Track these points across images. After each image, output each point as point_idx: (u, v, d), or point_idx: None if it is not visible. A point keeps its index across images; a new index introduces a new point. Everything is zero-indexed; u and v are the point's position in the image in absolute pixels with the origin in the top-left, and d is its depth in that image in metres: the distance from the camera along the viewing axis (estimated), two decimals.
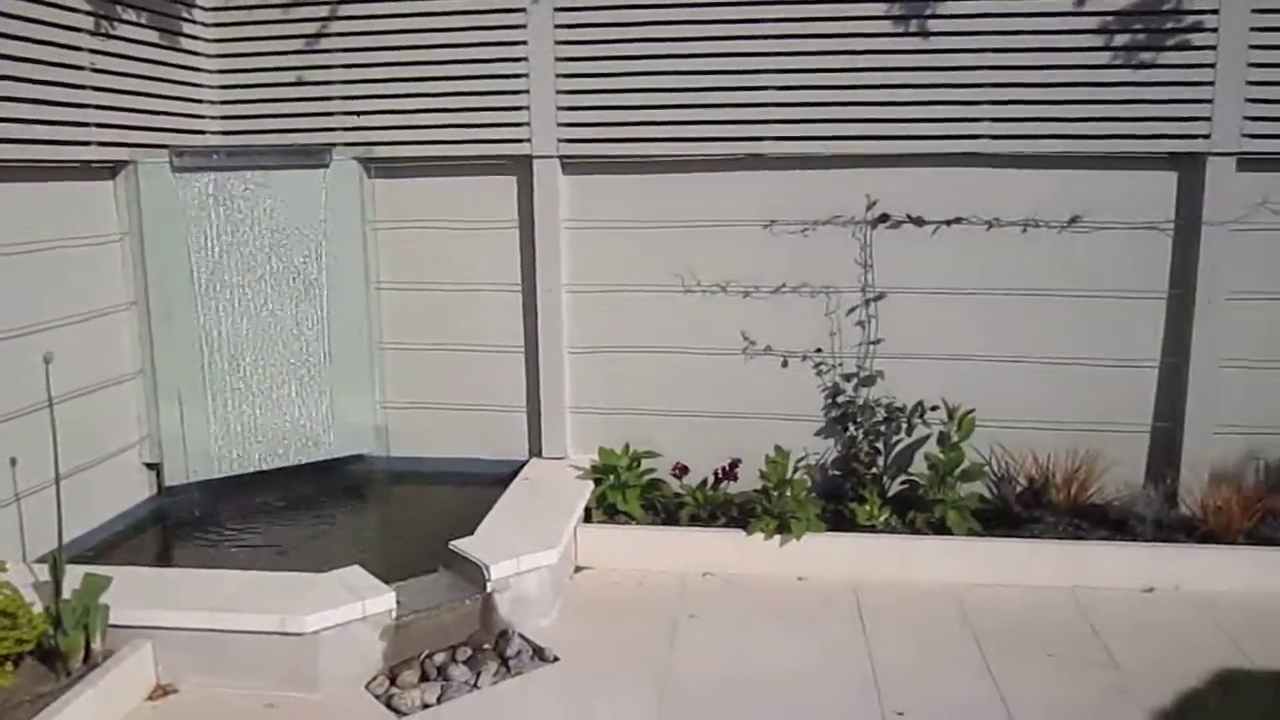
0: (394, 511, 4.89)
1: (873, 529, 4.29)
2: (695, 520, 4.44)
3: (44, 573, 3.33)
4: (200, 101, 4.75)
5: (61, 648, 3.15)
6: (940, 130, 4.37)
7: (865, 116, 4.40)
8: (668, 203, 4.68)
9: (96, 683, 3.09)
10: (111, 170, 4.29)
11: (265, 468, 4.77)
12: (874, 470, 4.54)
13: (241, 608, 3.33)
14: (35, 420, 3.77)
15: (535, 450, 4.98)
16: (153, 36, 4.39)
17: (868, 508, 4.33)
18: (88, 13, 3.98)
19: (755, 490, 4.46)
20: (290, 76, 4.78)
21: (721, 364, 4.75)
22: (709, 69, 4.47)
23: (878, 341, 4.60)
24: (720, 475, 4.54)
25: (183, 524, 4.51)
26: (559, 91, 4.58)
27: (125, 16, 4.21)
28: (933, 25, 4.29)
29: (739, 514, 4.41)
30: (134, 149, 4.26)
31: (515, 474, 4.77)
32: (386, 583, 3.50)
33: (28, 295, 3.84)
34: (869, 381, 4.61)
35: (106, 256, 4.30)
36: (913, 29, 4.30)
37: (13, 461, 3.68)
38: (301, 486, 4.87)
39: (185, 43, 4.62)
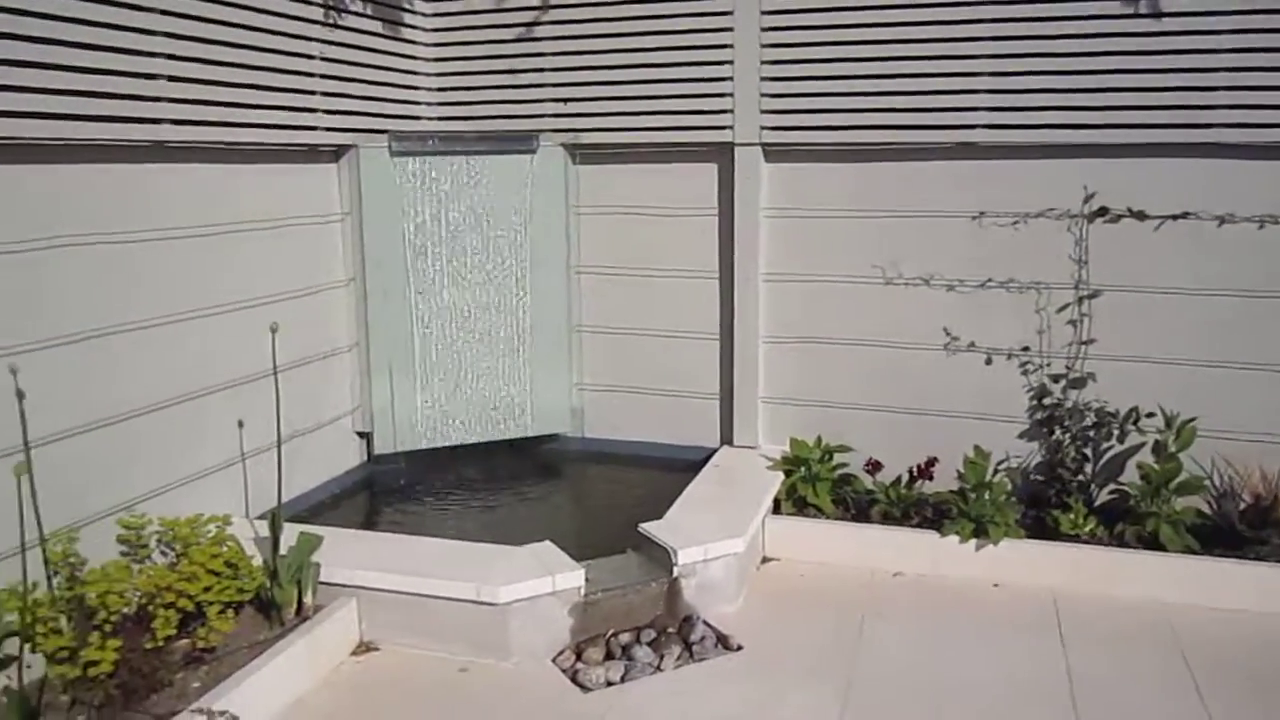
0: (586, 491, 4.99)
1: (1076, 539, 4.07)
2: (887, 518, 4.33)
3: (264, 528, 3.56)
4: (417, 89, 4.97)
5: (276, 599, 3.37)
6: (1167, 118, 4.07)
7: (1084, 104, 4.15)
8: (870, 192, 4.57)
9: (307, 634, 3.29)
10: (335, 154, 4.54)
11: (466, 442, 4.95)
12: (1080, 477, 4.31)
13: (440, 574, 3.47)
14: (261, 386, 4.03)
15: (726, 438, 4.98)
16: (376, 27, 4.62)
17: (1072, 516, 4.11)
18: (319, 4, 4.22)
19: (951, 491, 4.31)
20: (503, 65, 4.94)
21: (921, 359, 4.61)
22: (917, 54, 4.33)
23: (1090, 342, 4.36)
24: (915, 473, 4.41)
25: (389, 491, 4.74)
26: (763, 78, 4.54)
27: (352, 8, 4.44)
28: (1166, 3, 4.01)
29: (933, 514, 4.27)
30: (356, 134, 4.49)
31: (705, 461, 4.78)
32: (577, 560, 3.58)
33: (258, 269, 4.12)
34: (1079, 384, 4.37)
35: (328, 235, 4.56)
36: (1143, 8, 4.03)
37: (240, 424, 3.96)
38: (499, 462, 5.05)
39: (406, 32, 4.83)
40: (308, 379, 4.45)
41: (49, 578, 3.04)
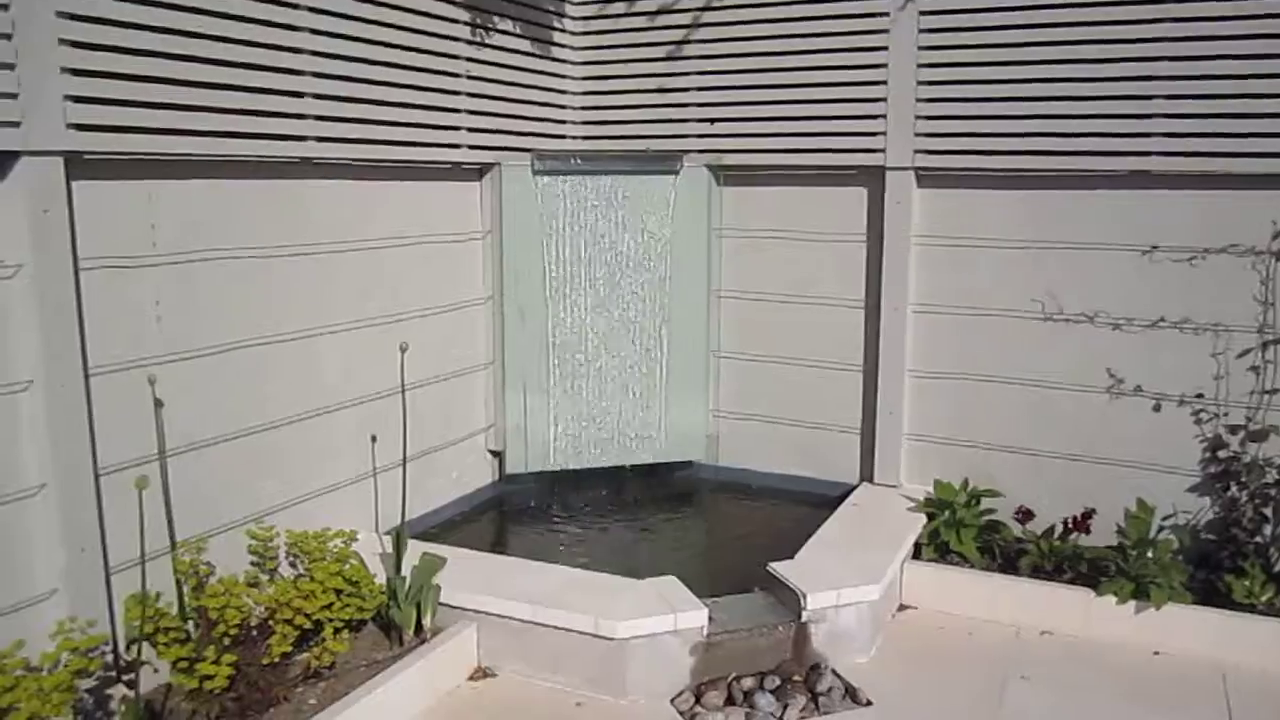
0: (715, 523, 4.85)
1: (1251, 608, 3.69)
2: (1037, 571, 4.03)
3: (390, 544, 3.56)
4: (564, 107, 4.94)
5: (396, 620, 3.36)
6: None
7: (1274, 130, 3.79)
8: (1030, 221, 4.30)
9: (424, 656, 3.26)
10: (479, 172, 4.55)
11: (598, 465, 4.87)
12: (1258, 540, 3.92)
13: (559, 604, 3.39)
14: (397, 401, 4.05)
15: (866, 475, 4.76)
16: (524, 45, 4.61)
17: (1247, 583, 3.74)
18: (466, 23, 4.23)
19: (1109, 547, 3.98)
20: (650, 84, 4.87)
21: (1081, 402, 4.30)
22: (1088, 75, 4.04)
23: (1274, 391, 3.97)
24: (1070, 525, 4.10)
25: (518, 511, 4.71)
26: (919, 100, 4.33)
27: (500, 26, 4.44)
28: None
29: (1088, 570, 3.96)
30: (499, 152, 4.49)
31: (842, 498, 4.57)
32: (700, 597, 3.44)
33: (399, 285, 4.14)
34: (1260, 436, 3.98)
35: (469, 253, 4.57)
36: None
37: (373, 439, 3.98)
38: (630, 487, 4.96)
39: (554, 50, 4.82)
40: (443, 395, 4.46)
41: (178, 584, 3.10)
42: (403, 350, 3.31)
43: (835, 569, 3.71)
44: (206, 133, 3.15)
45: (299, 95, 3.48)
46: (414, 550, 3.65)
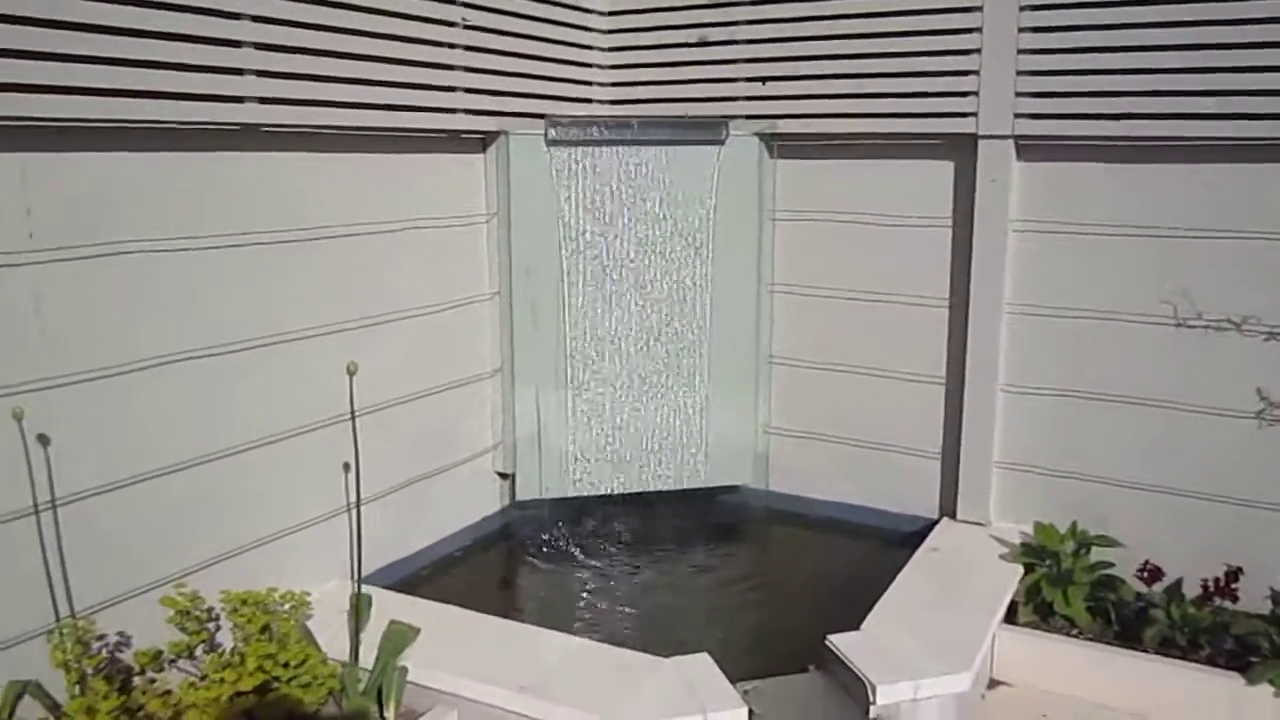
0: (765, 566, 4.04)
1: None
2: (1166, 644, 3.21)
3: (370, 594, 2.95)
4: (587, 65, 4.15)
5: (346, 711, 2.65)
6: None
7: None
8: (1164, 204, 3.44)
9: None
10: (482, 142, 3.80)
11: (626, 490, 4.11)
12: None
13: (556, 694, 2.65)
14: (384, 419, 3.36)
15: (947, 509, 3.95)
16: None
17: None
18: None
19: (1262, 617, 3.15)
20: (692, 36, 4.07)
21: (1223, 428, 3.44)
22: (1234, 16, 3.17)
23: None
24: (1212, 588, 3.27)
25: (528, 547, 3.97)
26: (1021, 51, 3.48)
27: None
28: None
29: (1235, 648, 3.12)
30: (506, 118, 3.72)
31: (918, 535, 3.79)
32: (739, 678, 2.71)
33: (383, 279, 3.42)
34: None
35: (471, 240, 3.83)
36: None
37: (346, 467, 3.27)
38: (664, 517, 4.19)
39: None
40: (441, 410, 3.74)
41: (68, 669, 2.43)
42: (350, 373, 2.58)
43: (913, 646, 2.93)
44: (101, 90, 2.43)
45: (234, 44, 2.74)
46: (388, 608, 2.96)
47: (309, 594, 2.89)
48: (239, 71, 2.76)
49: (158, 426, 2.72)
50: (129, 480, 2.66)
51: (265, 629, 2.71)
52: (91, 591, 2.59)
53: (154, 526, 2.74)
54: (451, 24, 3.45)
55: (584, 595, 3.62)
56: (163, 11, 2.54)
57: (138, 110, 2.51)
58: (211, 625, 2.79)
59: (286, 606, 2.81)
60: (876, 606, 3.17)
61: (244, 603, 2.76)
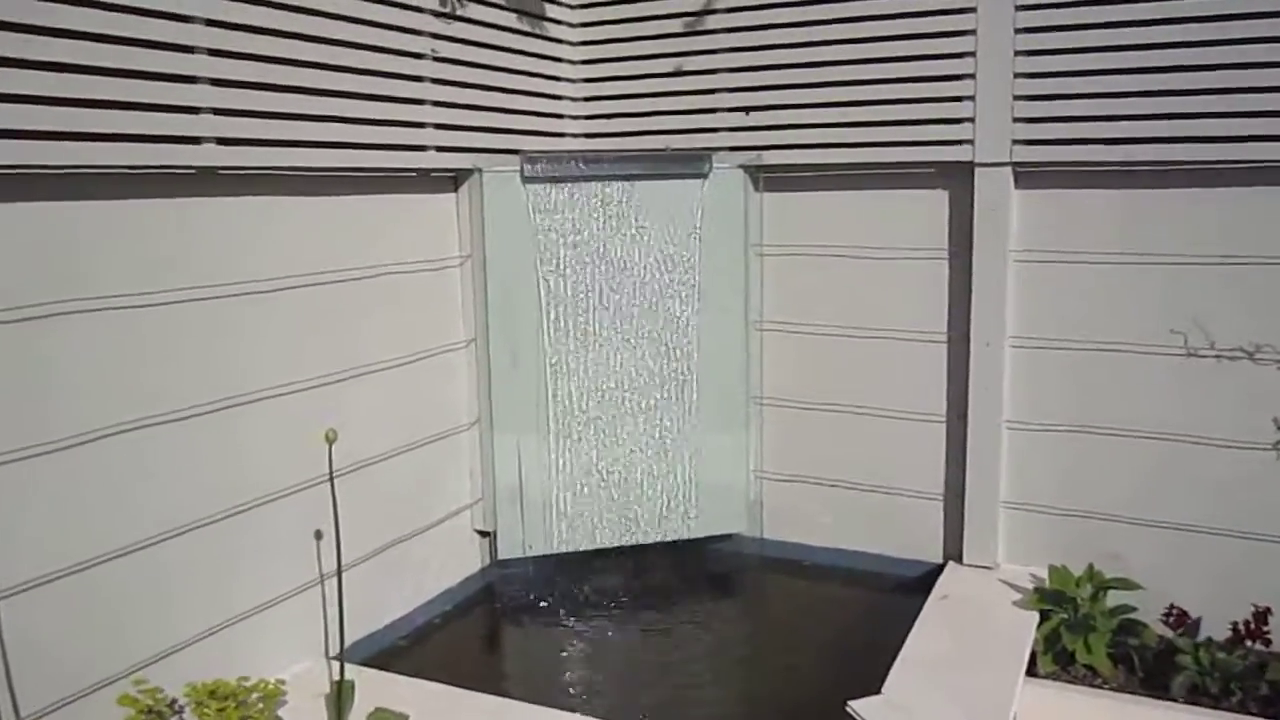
0: (765, 622, 3.80)
1: None
2: (1196, 691, 3.04)
3: (349, 674, 2.69)
4: (560, 98, 3.96)
5: None
6: None
7: None
8: (1166, 229, 3.30)
9: None
10: (453, 180, 3.57)
11: (613, 545, 3.87)
12: None
13: None
14: (355, 481, 3.11)
15: (953, 553, 3.76)
16: (507, 19, 3.63)
17: None
18: None
19: None
20: (669, 65, 3.89)
21: (1241, 461, 3.29)
22: (1240, 35, 3.06)
23: None
24: (1244, 631, 3.11)
25: (512, 610, 3.71)
26: (1018, 75, 3.35)
27: None
28: None
29: (1272, 694, 2.96)
30: (479, 155, 3.50)
31: (923, 581, 3.60)
32: None
33: (352, 330, 3.17)
34: None
35: (444, 285, 3.59)
36: None
37: (318, 535, 3.01)
38: (655, 571, 3.94)
39: (548, 27, 3.84)
40: (417, 467, 3.49)
41: None
42: (330, 441, 2.34)
43: (940, 710, 2.72)
44: (28, 133, 2.17)
45: (190, 80, 2.50)
46: (368, 690, 2.70)
47: (283, 681, 2.63)
48: (194, 110, 2.52)
49: (107, 504, 2.44)
50: (76, 566, 2.38)
51: None
52: (39, 694, 2.30)
53: (108, 615, 2.46)
54: (420, 56, 3.23)
55: (576, 662, 3.37)
56: (105, 45, 2.29)
57: (76, 155, 2.25)
58: None
59: (256, 697, 2.54)
60: (895, 666, 2.96)
61: (212, 694, 2.50)
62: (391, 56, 3.12)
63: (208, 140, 2.55)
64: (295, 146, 2.80)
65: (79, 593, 2.38)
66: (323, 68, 2.86)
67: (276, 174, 2.80)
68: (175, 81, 2.45)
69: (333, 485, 2.53)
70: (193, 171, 2.55)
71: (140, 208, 2.48)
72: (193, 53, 2.50)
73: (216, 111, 2.56)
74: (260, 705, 2.52)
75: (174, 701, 2.51)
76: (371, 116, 3.05)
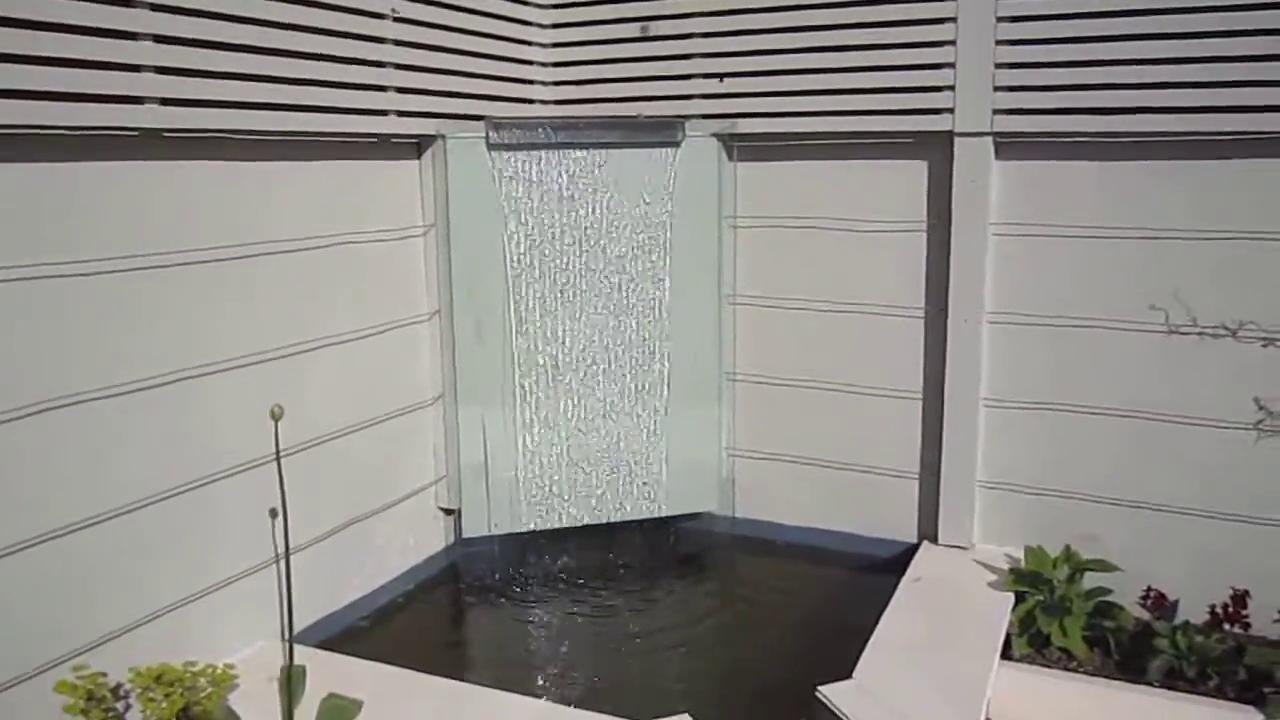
0: (738, 603, 3.71)
1: None
2: (1173, 675, 2.98)
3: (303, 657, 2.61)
4: (529, 62, 3.83)
5: None
6: None
7: None
8: (1149, 202, 3.23)
9: None
10: (416, 147, 3.45)
11: (581, 523, 3.79)
12: None
13: None
14: (314, 458, 3.01)
15: (927, 532, 3.69)
16: None
17: None
18: None
19: (1273, 643, 2.95)
20: (639, 30, 3.77)
21: (1220, 440, 3.23)
22: (1226, 1, 2.97)
23: None
24: (1222, 615, 3.05)
25: (476, 589, 3.63)
26: (1000, 42, 3.25)
27: None
28: None
29: (1250, 678, 2.91)
30: (443, 120, 3.38)
31: (897, 561, 3.55)
32: None
33: (309, 302, 3.05)
34: None
35: (407, 255, 3.48)
36: None
37: (273, 513, 2.91)
38: (624, 550, 3.86)
39: None
40: (378, 444, 3.39)
41: None
42: (275, 418, 2.23)
43: (911, 695, 2.66)
44: None
45: (130, 36, 2.37)
46: (323, 674, 2.61)
47: (233, 666, 2.53)
48: (136, 68, 2.39)
49: (42, 482, 2.33)
50: (10, 548, 2.27)
51: (184, 711, 2.34)
52: None
53: (46, 598, 2.35)
54: (381, 16, 3.10)
55: (539, 643, 3.29)
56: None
57: (8, 113, 2.13)
58: (120, 706, 2.42)
59: (204, 682, 2.44)
60: (867, 649, 2.89)
61: (158, 680, 2.39)
62: (349, 15, 2.98)
63: (150, 100, 2.42)
64: (245, 109, 2.67)
65: (12, 573, 2.27)
66: (275, 25, 2.73)
67: (226, 138, 2.68)
68: (114, 38, 2.33)
69: (279, 463, 2.42)
70: (135, 134, 2.43)
71: (85, 171, 2.36)
72: (133, 6, 2.36)
73: (160, 70, 2.43)
74: (209, 690, 2.42)
75: (119, 686, 2.41)
76: (328, 79, 2.92)
